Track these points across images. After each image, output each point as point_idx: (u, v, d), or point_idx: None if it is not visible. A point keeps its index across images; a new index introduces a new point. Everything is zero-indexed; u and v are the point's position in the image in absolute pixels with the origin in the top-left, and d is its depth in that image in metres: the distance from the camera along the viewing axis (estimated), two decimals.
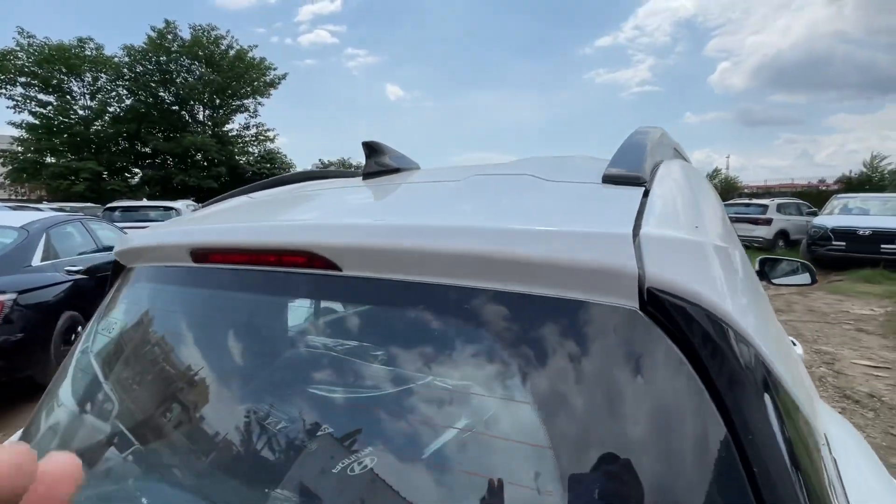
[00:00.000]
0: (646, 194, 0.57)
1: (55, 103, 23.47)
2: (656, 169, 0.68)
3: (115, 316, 0.93)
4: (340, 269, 0.60)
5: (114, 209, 9.43)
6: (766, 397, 0.42)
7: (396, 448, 0.54)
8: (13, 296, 3.64)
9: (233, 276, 0.77)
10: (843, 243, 9.42)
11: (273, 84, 28.70)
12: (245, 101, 28.66)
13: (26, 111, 22.81)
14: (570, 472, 0.44)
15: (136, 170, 26.93)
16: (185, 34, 26.18)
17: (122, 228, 6.40)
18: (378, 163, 0.94)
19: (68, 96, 24.09)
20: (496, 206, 0.63)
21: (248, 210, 0.94)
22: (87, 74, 24.44)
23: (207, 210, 1.06)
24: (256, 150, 29.75)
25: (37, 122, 23.03)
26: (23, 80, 22.36)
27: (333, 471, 0.58)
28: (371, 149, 0.95)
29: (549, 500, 0.45)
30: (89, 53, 24.06)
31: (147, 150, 26.52)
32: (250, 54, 27.46)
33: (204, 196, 24.05)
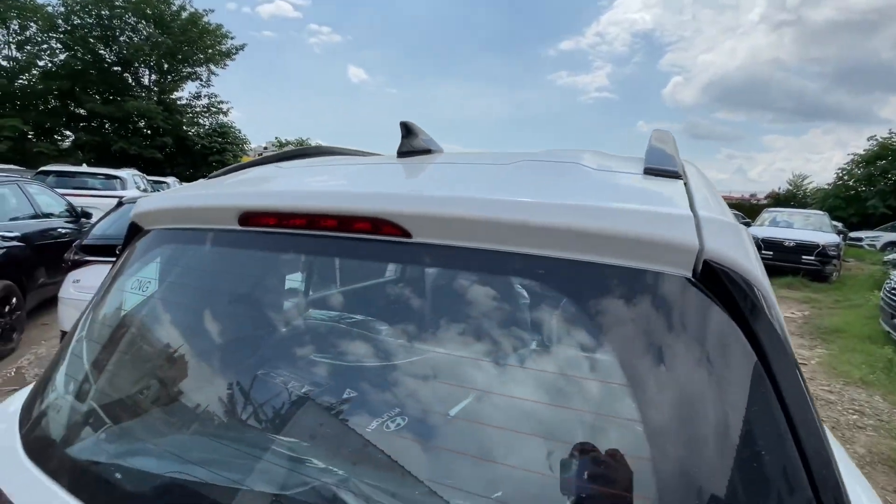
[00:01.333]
0: (686, 185, 0.67)
1: None
2: (683, 166, 0.79)
3: (142, 276, 0.92)
4: (410, 236, 0.66)
5: (47, 173, 8.60)
6: (787, 353, 0.53)
7: (474, 405, 0.60)
8: None
9: (283, 240, 0.79)
10: (772, 252, 10.38)
11: (229, 54, 27.12)
12: (197, 69, 26.90)
13: None
14: (654, 412, 0.53)
15: (69, 132, 24.63)
16: None
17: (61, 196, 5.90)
18: (413, 143, 0.99)
19: None
20: (559, 187, 0.71)
21: (290, 177, 0.96)
22: (14, 21, 21.95)
23: (240, 175, 1.06)
24: (208, 123, 28.04)
25: None
26: None
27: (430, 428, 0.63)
28: (408, 129, 0.99)
29: (633, 434, 0.54)
30: None
31: (82, 111, 24.27)
32: (205, 19, 25.75)
33: (146, 166, 22.41)
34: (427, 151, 1.02)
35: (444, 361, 0.67)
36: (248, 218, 0.80)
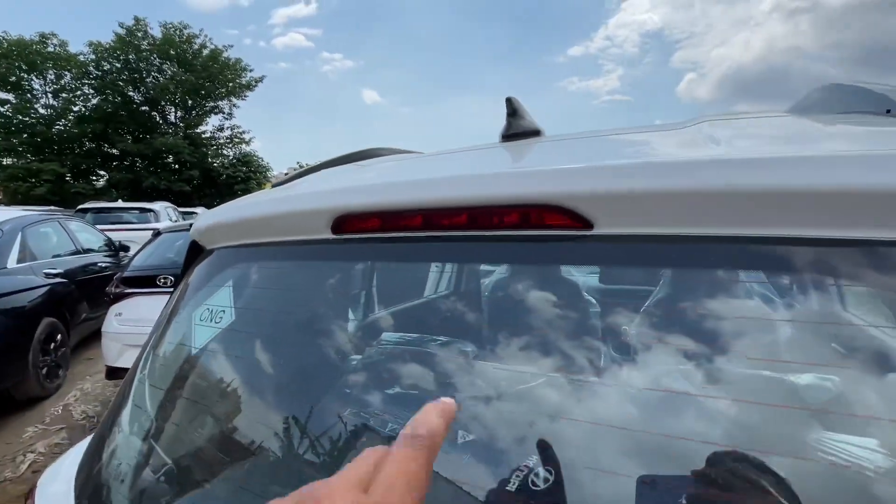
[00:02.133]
0: None
1: (14, 101, 22.23)
2: None
3: (210, 304, 0.76)
4: (591, 227, 0.47)
5: (86, 210, 8.91)
6: None
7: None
8: None
9: (390, 248, 0.62)
10: None
11: (249, 86, 28.02)
12: (219, 103, 27.87)
13: None
14: None
15: (103, 172, 25.74)
16: (156, 32, 25.30)
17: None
18: (520, 124, 0.82)
19: (28, 94, 22.86)
20: (806, 141, 0.50)
21: (385, 171, 0.79)
22: (50, 72, 23.26)
23: (313, 177, 0.90)
24: (231, 153, 28.90)
25: None
26: None
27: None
28: (513, 108, 0.81)
29: None
30: (52, 50, 22.91)
31: (115, 151, 25.39)
32: (225, 55, 26.75)
33: (175, 199, 23.10)
34: (537, 133, 0.84)
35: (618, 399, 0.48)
36: (343, 222, 0.63)
